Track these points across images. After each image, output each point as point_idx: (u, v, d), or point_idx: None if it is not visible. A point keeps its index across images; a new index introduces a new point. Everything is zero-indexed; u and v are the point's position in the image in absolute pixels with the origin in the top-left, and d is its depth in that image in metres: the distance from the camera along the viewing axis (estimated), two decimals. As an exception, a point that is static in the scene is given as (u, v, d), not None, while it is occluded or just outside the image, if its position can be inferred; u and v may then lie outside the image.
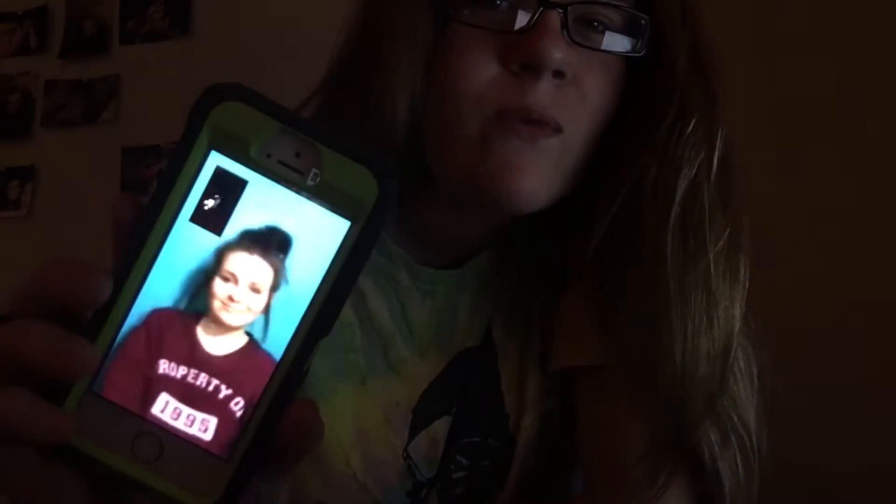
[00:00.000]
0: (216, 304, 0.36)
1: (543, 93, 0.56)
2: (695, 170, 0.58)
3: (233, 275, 0.36)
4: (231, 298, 0.36)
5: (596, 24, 0.58)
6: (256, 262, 0.36)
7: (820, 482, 1.34)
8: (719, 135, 0.59)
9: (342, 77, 0.64)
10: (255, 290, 0.36)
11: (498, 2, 0.57)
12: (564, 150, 0.58)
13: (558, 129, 0.57)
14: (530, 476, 0.69)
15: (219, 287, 0.36)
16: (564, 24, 0.56)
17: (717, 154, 0.59)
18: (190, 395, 0.36)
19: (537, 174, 0.57)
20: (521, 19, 0.56)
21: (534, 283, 0.70)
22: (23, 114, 2.30)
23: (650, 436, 0.59)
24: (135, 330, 0.36)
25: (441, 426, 0.68)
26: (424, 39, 0.57)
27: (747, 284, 0.59)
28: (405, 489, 0.68)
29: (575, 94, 0.58)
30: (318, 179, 0.35)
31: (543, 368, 0.69)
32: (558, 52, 0.55)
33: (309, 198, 0.36)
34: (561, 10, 0.56)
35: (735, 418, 0.59)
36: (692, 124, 0.58)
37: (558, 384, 0.69)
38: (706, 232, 0.58)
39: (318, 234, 0.36)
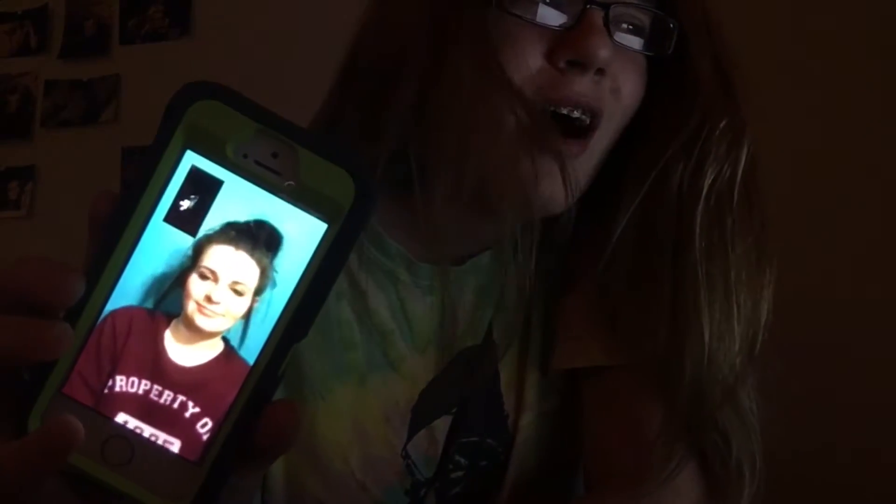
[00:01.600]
0: (191, 307, 0.35)
1: (586, 85, 0.58)
2: (722, 168, 0.60)
3: (212, 271, 0.35)
4: (209, 299, 0.35)
5: (626, 24, 0.60)
6: (241, 259, 0.35)
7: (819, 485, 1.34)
8: (745, 139, 0.60)
9: (359, 71, 0.64)
10: (237, 291, 0.35)
11: None
12: (596, 146, 0.60)
13: (593, 126, 0.59)
14: (529, 476, 0.69)
15: (195, 286, 0.35)
16: (606, 23, 0.57)
17: (744, 153, 0.60)
18: (153, 407, 0.36)
19: (569, 183, 0.59)
20: (565, 16, 0.58)
21: (536, 283, 0.70)
22: (23, 114, 2.30)
23: (661, 425, 0.60)
24: (105, 331, 0.35)
25: (440, 425, 0.68)
26: (465, 30, 0.57)
27: (773, 281, 0.60)
28: (404, 488, 0.67)
29: (611, 91, 0.60)
30: (296, 181, 0.35)
31: (543, 368, 0.69)
32: (606, 51, 0.57)
33: (286, 199, 0.35)
34: (603, 10, 0.58)
35: (748, 406, 0.60)
36: (721, 125, 0.60)
37: (558, 384, 0.69)
38: (733, 229, 0.59)
39: (296, 236, 0.35)
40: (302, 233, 0.35)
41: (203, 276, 0.35)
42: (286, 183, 0.35)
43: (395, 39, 0.60)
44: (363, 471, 0.65)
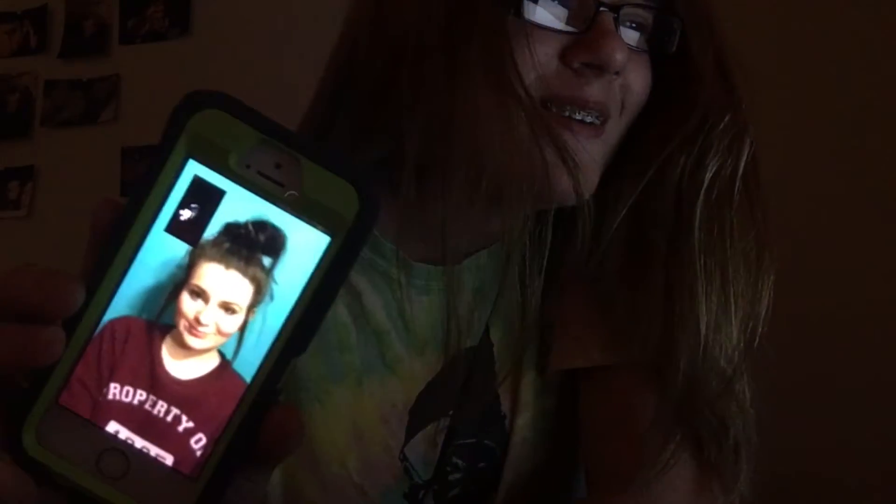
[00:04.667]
0: (182, 325, 0.35)
1: (598, 87, 0.59)
2: (724, 163, 0.60)
3: (203, 290, 0.35)
4: (198, 321, 0.35)
5: (630, 23, 0.61)
6: (233, 278, 0.35)
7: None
8: (747, 136, 0.61)
9: (353, 75, 0.63)
10: (229, 308, 0.35)
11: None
12: (608, 141, 0.61)
13: (604, 123, 0.60)
14: (526, 477, 0.69)
15: (186, 304, 0.35)
16: (617, 25, 0.58)
17: (746, 149, 0.61)
18: (149, 420, 0.35)
19: (587, 173, 0.59)
20: (578, 19, 0.58)
21: (532, 284, 0.70)
22: (23, 114, 2.31)
23: (654, 415, 0.60)
24: (105, 341, 0.35)
25: (439, 427, 0.67)
26: (485, 33, 0.57)
27: (773, 275, 0.61)
28: (402, 491, 0.67)
29: (621, 89, 0.60)
30: (299, 192, 0.34)
31: (540, 368, 0.69)
32: (622, 55, 0.57)
33: (288, 210, 0.34)
34: (614, 12, 0.58)
35: (744, 394, 0.61)
36: (725, 120, 0.60)
37: (555, 383, 0.68)
38: (732, 223, 0.60)
39: (297, 248, 0.34)
40: (304, 245, 0.34)
41: (194, 294, 0.35)
42: (289, 194, 0.34)
43: (397, 41, 0.59)
44: (361, 474, 0.65)
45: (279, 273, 0.35)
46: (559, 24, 0.58)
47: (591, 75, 0.58)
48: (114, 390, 0.35)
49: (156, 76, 2.16)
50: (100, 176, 2.17)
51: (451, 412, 0.67)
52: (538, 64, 0.57)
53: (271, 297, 0.35)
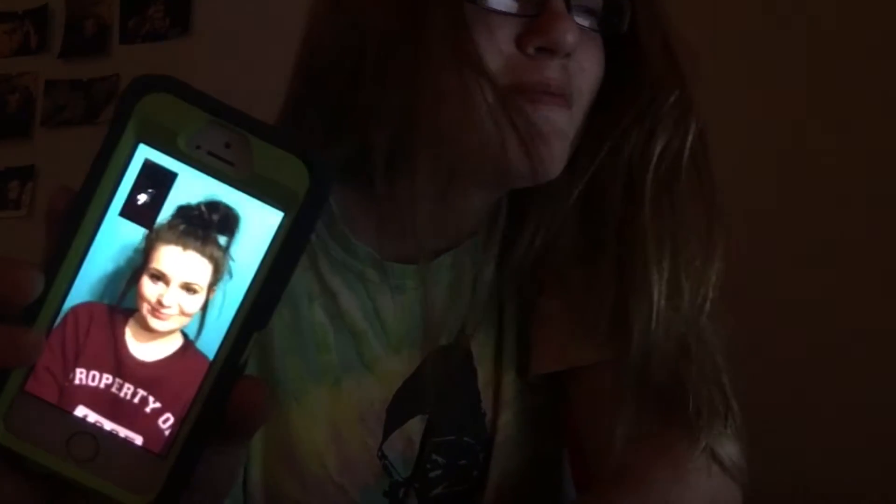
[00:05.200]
0: (144, 308, 0.35)
1: (556, 69, 0.59)
2: (671, 138, 0.61)
3: (162, 273, 0.35)
4: (160, 303, 0.35)
5: (582, 6, 0.61)
6: (191, 259, 0.35)
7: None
8: (693, 112, 0.62)
9: (319, 72, 0.64)
10: (191, 289, 0.35)
11: None
12: (572, 122, 0.61)
13: (569, 104, 0.60)
14: (512, 476, 0.69)
15: (147, 288, 0.35)
16: (568, 7, 0.59)
17: (693, 125, 0.62)
18: (116, 403, 0.36)
19: (559, 144, 0.60)
20: (530, 4, 0.59)
21: (509, 280, 0.69)
22: (23, 114, 2.31)
23: (614, 386, 0.61)
24: (68, 327, 0.35)
25: (416, 425, 0.67)
26: (442, 20, 0.58)
27: (723, 248, 0.62)
28: (382, 489, 0.67)
29: (577, 71, 0.61)
30: (250, 170, 0.35)
31: (519, 367, 0.69)
32: (573, 36, 0.58)
33: (241, 189, 0.35)
34: None
35: (708, 363, 0.61)
36: (671, 98, 0.61)
37: (537, 381, 0.68)
38: (682, 195, 0.61)
39: (252, 226, 0.35)
40: (258, 222, 0.35)
41: (154, 278, 0.35)
42: (240, 172, 0.35)
43: (358, 37, 0.60)
44: (340, 472, 0.65)
45: (235, 251, 0.35)
46: (513, 10, 0.59)
47: (545, 59, 0.58)
48: (80, 375, 0.35)
49: (156, 76, 2.16)
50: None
51: (428, 410, 0.67)
52: (497, 51, 0.58)
53: (230, 275, 0.35)
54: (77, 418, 0.35)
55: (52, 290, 0.35)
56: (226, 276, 0.35)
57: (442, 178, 0.60)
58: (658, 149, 0.61)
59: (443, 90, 0.57)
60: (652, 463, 0.60)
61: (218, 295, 0.35)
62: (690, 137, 0.62)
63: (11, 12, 2.35)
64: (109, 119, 0.35)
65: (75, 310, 0.35)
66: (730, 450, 0.61)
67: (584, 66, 0.61)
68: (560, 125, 0.60)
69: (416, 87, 0.58)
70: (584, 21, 0.61)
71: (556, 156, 0.60)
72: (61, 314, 0.35)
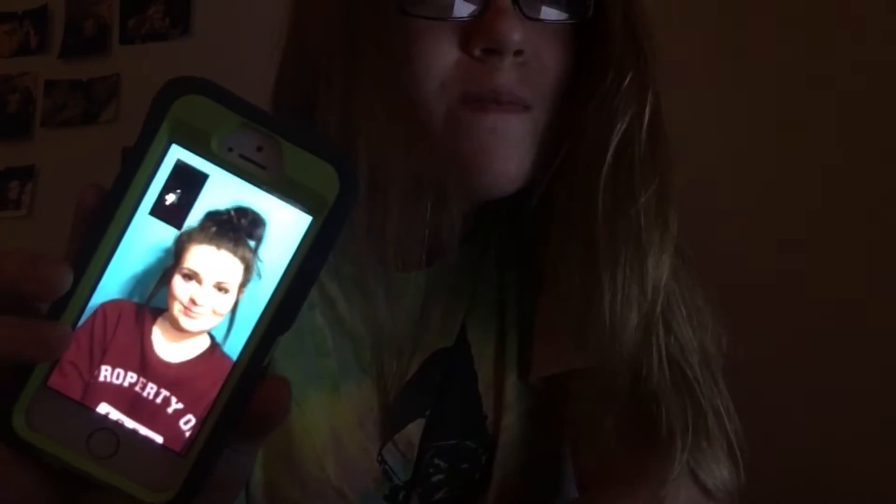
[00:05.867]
0: (176, 308, 0.36)
1: (508, 73, 0.57)
2: (626, 123, 0.59)
3: (195, 273, 0.35)
4: (193, 301, 0.36)
5: None
6: (223, 259, 0.35)
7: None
8: (650, 91, 0.60)
9: (288, 85, 0.64)
10: (222, 288, 0.36)
11: None
12: (534, 126, 0.60)
13: (527, 107, 0.58)
14: (515, 478, 0.68)
15: (180, 287, 0.36)
16: (515, 2, 0.56)
17: (648, 108, 0.59)
18: (139, 401, 0.36)
19: (513, 153, 0.58)
20: (474, 5, 0.56)
21: (509, 283, 0.69)
22: (23, 114, 2.30)
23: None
24: (97, 324, 0.35)
25: (415, 429, 0.67)
26: (375, 34, 0.56)
27: (675, 234, 0.60)
28: (382, 493, 0.67)
29: (536, 69, 0.59)
30: (281, 174, 0.35)
31: (521, 369, 0.68)
32: (517, 34, 0.56)
33: (270, 192, 0.35)
34: None
35: (680, 360, 0.59)
36: (626, 81, 0.59)
37: (539, 383, 0.68)
38: (636, 183, 0.59)
39: (280, 228, 0.35)
40: (286, 225, 0.35)
41: (187, 277, 0.35)
42: (271, 176, 0.35)
43: (311, 53, 0.60)
44: (340, 477, 0.65)
45: (264, 252, 0.35)
46: (450, 14, 0.56)
47: (496, 60, 0.56)
48: (105, 372, 0.36)
49: (156, 76, 2.13)
50: (100, 176, 2.13)
51: (427, 413, 0.67)
52: (440, 58, 0.56)
53: (259, 276, 0.35)
54: (99, 415, 0.35)
55: (79, 286, 0.35)
56: (255, 277, 0.35)
57: (409, 190, 0.59)
58: (616, 137, 0.59)
59: (390, 108, 0.56)
60: (629, 481, 0.59)
61: (247, 297, 0.36)
62: (647, 118, 0.59)
63: (11, 12, 2.34)
64: (143, 118, 0.35)
65: (104, 307, 0.35)
66: (714, 470, 0.59)
67: (545, 63, 0.59)
68: (513, 133, 0.58)
69: (353, 104, 0.56)
70: (548, 13, 0.59)
71: (510, 168, 0.58)
72: (88, 310, 0.35)
